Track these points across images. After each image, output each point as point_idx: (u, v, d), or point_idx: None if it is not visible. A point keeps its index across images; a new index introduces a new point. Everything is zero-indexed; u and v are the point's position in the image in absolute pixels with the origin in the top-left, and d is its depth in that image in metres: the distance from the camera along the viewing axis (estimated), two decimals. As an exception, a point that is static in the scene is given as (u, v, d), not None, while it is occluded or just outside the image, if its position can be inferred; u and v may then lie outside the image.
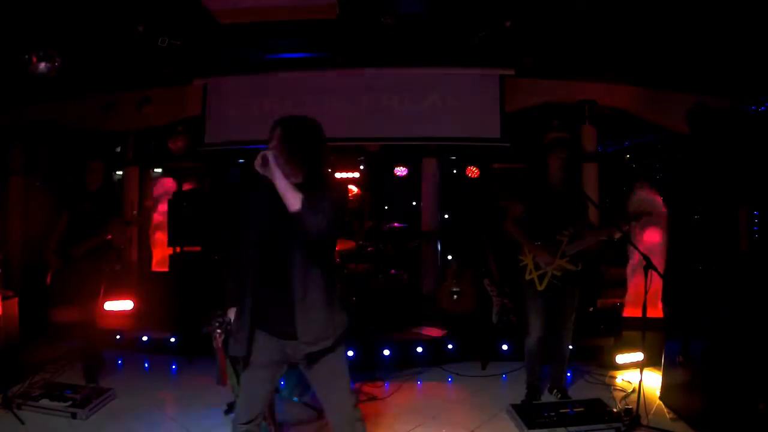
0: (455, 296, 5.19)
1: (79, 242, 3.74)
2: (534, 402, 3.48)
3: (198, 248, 5.39)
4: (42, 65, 4.16)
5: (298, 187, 1.91)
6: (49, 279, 3.70)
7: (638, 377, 3.18)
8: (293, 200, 1.82)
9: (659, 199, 4.59)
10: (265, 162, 1.86)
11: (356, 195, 5.91)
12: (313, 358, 2.04)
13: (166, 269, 5.55)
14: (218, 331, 2.11)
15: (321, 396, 2.14)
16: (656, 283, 4.14)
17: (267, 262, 2.01)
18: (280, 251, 1.97)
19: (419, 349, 4.44)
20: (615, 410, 3.21)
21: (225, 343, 2.12)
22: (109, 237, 3.81)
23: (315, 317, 1.97)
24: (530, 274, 3.40)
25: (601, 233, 3.35)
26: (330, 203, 1.90)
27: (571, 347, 3.60)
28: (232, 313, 2.15)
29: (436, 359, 4.42)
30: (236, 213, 2.16)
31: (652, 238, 4.49)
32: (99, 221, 3.84)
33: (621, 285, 4.77)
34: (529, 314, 3.46)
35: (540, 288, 3.36)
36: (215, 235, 5.35)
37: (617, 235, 3.29)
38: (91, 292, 3.81)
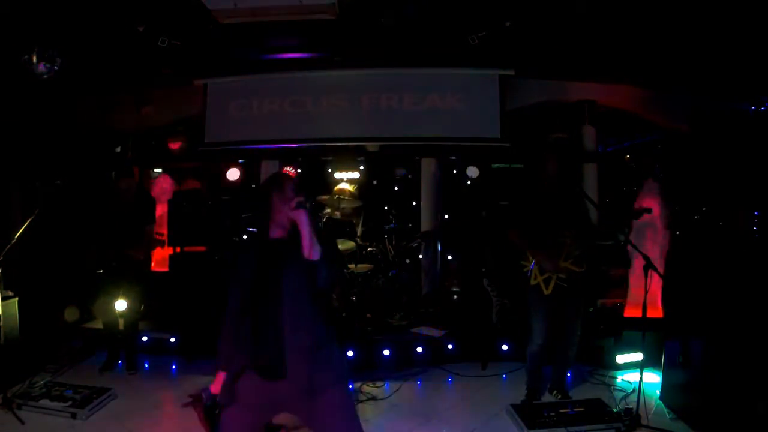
0: (455, 296, 5.19)
1: (115, 247, 4.05)
2: (534, 402, 3.48)
3: (198, 248, 5.40)
4: (42, 65, 4.17)
5: (284, 240, 2.03)
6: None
7: (638, 377, 3.19)
8: (315, 249, 1.92)
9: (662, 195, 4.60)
10: (301, 206, 1.94)
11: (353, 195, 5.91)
12: (305, 402, 1.98)
13: (166, 269, 5.55)
14: (197, 406, 2.05)
15: None
16: (656, 283, 4.15)
17: (260, 315, 2.00)
18: (272, 304, 1.98)
19: (419, 349, 4.44)
20: (615, 410, 3.21)
21: (209, 416, 2.06)
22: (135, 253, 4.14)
23: (304, 365, 1.95)
24: (535, 279, 3.36)
25: (603, 235, 3.32)
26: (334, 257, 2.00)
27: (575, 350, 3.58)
28: (221, 378, 2.07)
29: (436, 359, 4.42)
30: (229, 274, 2.17)
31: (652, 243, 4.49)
32: (135, 227, 4.14)
33: (621, 285, 4.78)
34: (533, 321, 3.42)
35: (547, 292, 3.31)
36: (215, 235, 5.37)
37: (621, 238, 3.27)
38: (132, 292, 4.16)
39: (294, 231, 1.99)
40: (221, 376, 2.07)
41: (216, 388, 2.06)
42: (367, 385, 3.89)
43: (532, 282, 3.38)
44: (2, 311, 3.55)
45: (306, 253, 1.91)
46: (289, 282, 1.99)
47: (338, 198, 5.53)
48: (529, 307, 3.45)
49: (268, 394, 1.99)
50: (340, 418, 2.02)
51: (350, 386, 2.13)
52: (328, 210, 5.62)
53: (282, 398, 2.01)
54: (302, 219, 1.93)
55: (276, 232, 2.10)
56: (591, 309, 4.88)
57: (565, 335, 3.46)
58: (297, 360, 1.95)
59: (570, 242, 3.32)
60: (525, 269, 3.43)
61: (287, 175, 2.21)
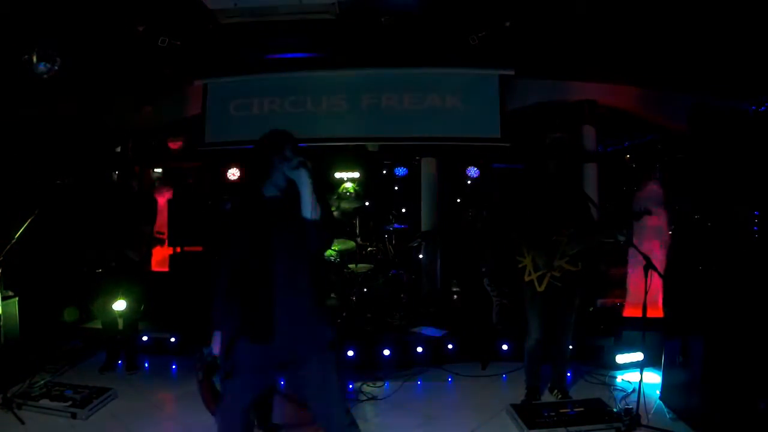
0: (455, 296, 5.19)
1: (114, 247, 4.03)
2: (534, 402, 3.48)
3: (198, 248, 5.41)
4: (42, 65, 4.17)
5: (279, 200, 2.01)
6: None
7: (638, 377, 3.19)
8: (314, 210, 1.88)
9: (662, 196, 4.59)
10: (302, 165, 1.90)
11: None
12: (293, 367, 2.02)
13: (166, 269, 5.56)
14: (198, 364, 2.06)
15: (310, 404, 2.10)
16: (656, 283, 4.14)
17: (251, 275, 2.01)
18: (264, 264, 1.98)
19: (419, 349, 4.44)
20: (615, 410, 3.20)
21: (207, 376, 2.07)
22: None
23: (294, 328, 1.96)
24: (529, 275, 3.39)
25: (603, 235, 3.32)
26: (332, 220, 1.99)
27: (571, 347, 3.60)
28: (218, 337, 2.08)
29: (436, 359, 4.42)
30: (221, 233, 2.16)
31: (652, 243, 4.49)
32: (135, 227, 4.15)
33: (621, 285, 4.77)
34: (528, 316, 3.45)
35: (540, 289, 3.35)
36: (214, 235, 5.36)
37: (622, 239, 3.27)
38: (131, 292, 4.15)
39: (290, 191, 1.96)
40: (218, 336, 2.07)
41: (215, 347, 2.07)
42: (367, 385, 3.89)
43: (526, 278, 3.41)
44: (2, 311, 3.55)
45: (306, 212, 1.87)
46: (282, 244, 1.97)
47: (338, 197, 5.54)
48: (524, 303, 3.48)
49: (260, 357, 2.01)
50: (323, 387, 2.03)
51: (334, 358, 2.12)
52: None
53: (273, 362, 2.02)
54: (303, 179, 1.89)
55: (270, 191, 2.06)
56: (591, 309, 4.88)
57: (560, 331, 3.48)
58: (286, 325, 1.95)
59: (566, 241, 3.33)
60: (520, 265, 3.46)
61: (287, 134, 2.13)
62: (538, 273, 3.36)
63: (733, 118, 4.88)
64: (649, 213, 3.38)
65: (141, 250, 4.13)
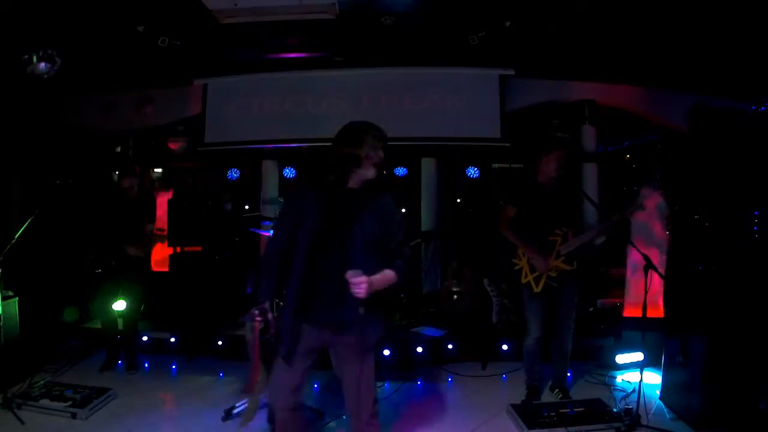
0: (455, 296, 5.19)
1: (115, 246, 4.02)
2: (534, 402, 3.48)
3: (198, 248, 5.41)
4: (42, 65, 4.17)
5: (366, 184, 2.05)
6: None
7: (638, 377, 3.19)
8: (392, 280, 2.05)
9: (661, 201, 4.59)
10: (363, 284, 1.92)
11: None
12: (343, 348, 2.11)
13: (166, 269, 5.56)
14: (258, 319, 2.02)
15: (344, 384, 2.18)
16: (656, 283, 4.14)
17: (320, 258, 2.03)
18: (336, 250, 2.01)
19: (419, 349, 4.44)
20: (615, 410, 3.20)
21: (263, 332, 2.07)
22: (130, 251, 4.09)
23: (357, 312, 2.00)
24: (526, 277, 3.40)
25: (595, 230, 3.32)
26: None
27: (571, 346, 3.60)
28: (265, 305, 2.13)
29: (436, 359, 4.41)
30: (287, 210, 2.20)
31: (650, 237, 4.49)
32: (136, 226, 4.15)
33: (621, 285, 4.77)
34: (527, 316, 3.46)
35: (537, 290, 3.35)
36: (215, 235, 5.37)
37: (612, 229, 3.27)
38: (131, 292, 4.17)
39: (367, 187, 2.04)
40: (265, 305, 2.11)
41: (269, 313, 2.11)
42: (367, 385, 3.88)
43: (523, 280, 3.41)
44: (2, 311, 3.55)
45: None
46: (357, 238, 2.00)
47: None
48: (522, 303, 3.49)
49: (314, 341, 2.09)
50: (360, 370, 2.10)
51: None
52: None
53: (321, 343, 2.13)
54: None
55: (355, 183, 2.07)
56: (591, 309, 4.88)
57: (561, 329, 3.48)
58: (343, 316, 2.01)
59: (561, 240, 3.33)
60: (516, 267, 3.45)
61: (365, 132, 2.09)
62: (535, 274, 3.37)
63: (733, 117, 4.88)
64: (641, 208, 3.39)
65: (142, 246, 4.13)
